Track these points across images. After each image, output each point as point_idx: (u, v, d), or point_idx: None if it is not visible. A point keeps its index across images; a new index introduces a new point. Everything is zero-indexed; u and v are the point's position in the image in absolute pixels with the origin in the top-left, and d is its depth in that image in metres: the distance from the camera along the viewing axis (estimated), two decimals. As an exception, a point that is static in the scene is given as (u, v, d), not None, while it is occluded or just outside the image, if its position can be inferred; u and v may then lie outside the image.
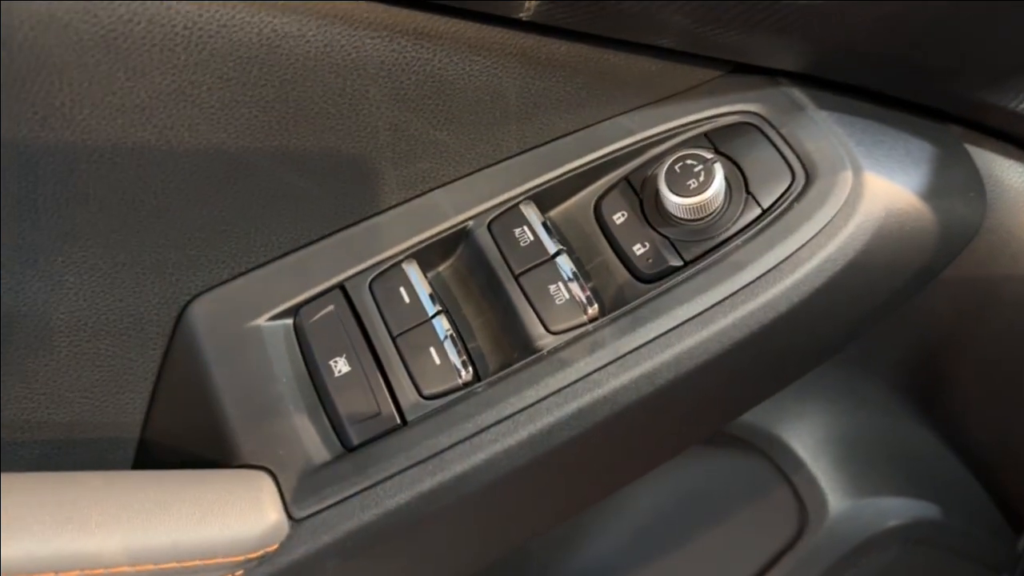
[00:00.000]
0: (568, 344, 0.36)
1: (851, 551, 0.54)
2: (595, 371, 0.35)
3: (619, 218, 0.38)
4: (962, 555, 0.65)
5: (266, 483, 0.34)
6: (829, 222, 0.36)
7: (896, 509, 0.55)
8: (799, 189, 0.37)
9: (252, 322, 0.37)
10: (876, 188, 0.37)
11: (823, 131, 0.38)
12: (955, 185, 0.40)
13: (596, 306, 0.37)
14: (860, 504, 0.54)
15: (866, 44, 0.36)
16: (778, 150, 0.38)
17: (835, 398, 0.55)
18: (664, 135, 0.39)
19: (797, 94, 0.39)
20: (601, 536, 0.60)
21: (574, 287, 0.37)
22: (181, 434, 0.38)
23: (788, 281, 0.36)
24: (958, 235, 0.41)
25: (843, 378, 0.54)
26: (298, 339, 0.37)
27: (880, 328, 0.48)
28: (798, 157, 0.37)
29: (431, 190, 0.38)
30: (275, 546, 0.33)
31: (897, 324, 0.48)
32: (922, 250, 0.39)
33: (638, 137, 0.39)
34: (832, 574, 0.55)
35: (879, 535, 0.54)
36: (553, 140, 0.39)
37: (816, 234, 0.36)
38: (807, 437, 0.54)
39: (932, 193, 0.38)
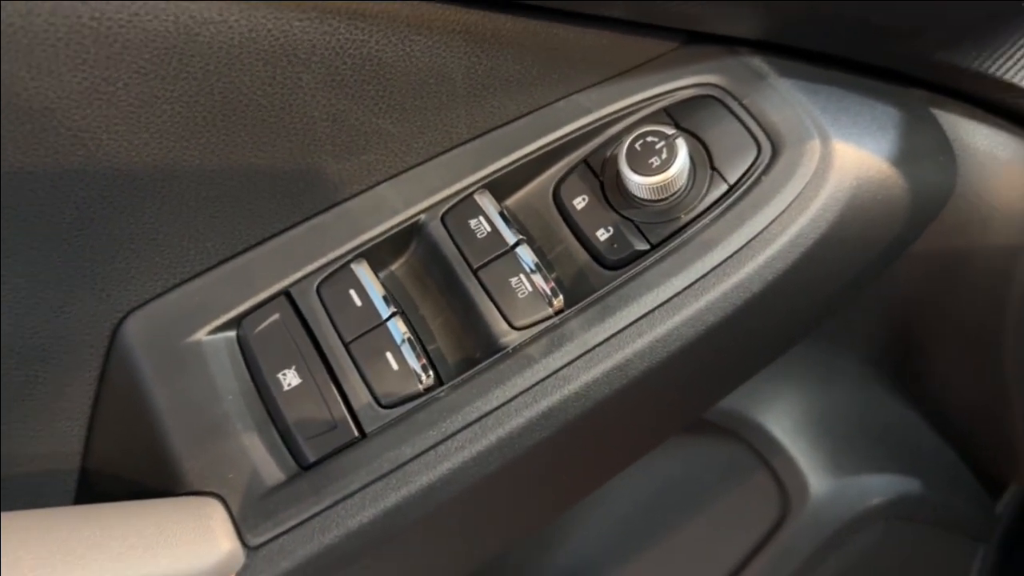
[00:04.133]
0: (534, 339, 0.34)
1: (835, 533, 0.53)
2: (564, 366, 0.33)
3: (580, 202, 0.36)
4: (944, 527, 0.65)
5: (216, 510, 0.32)
6: (799, 195, 0.34)
7: (878, 486, 0.54)
8: (766, 162, 0.35)
9: (191, 337, 0.34)
10: (845, 156, 0.35)
11: (787, 100, 0.36)
12: (925, 150, 0.39)
13: (561, 297, 0.35)
14: (841, 484, 0.52)
15: (827, 5, 0.34)
16: (742, 122, 0.36)
17: (808, 377, 0.53)
18: (621, 112, 0.37)
19: (757, 63, 0.37)
20: (581, 530, 0.59)
21: (537, 279, 0.35)
22: (123, 461, 0.36)
23: (760, 259, 0.34)
24: (931, 201, 0.40)
25: (815, 356, 0.53)
26: (242, 352, 0.35)
27: (850, 302, 0.47)
28: (763, 128, 0.36)
29: (377, 184, 0.36)
30: (230, 577, 0.31)
31: (867, 297, 0.46)
32: (896, 218, 0.38)
33: (594, 116, 0.37)
34: (817, 558, 0.53)
35: (862, 514, 0.53)
36: (505, 124, 0.37)
37: (786, 208, 0.34)
38: (783, 418, 0.53)
39: (903, 159, 0.37)
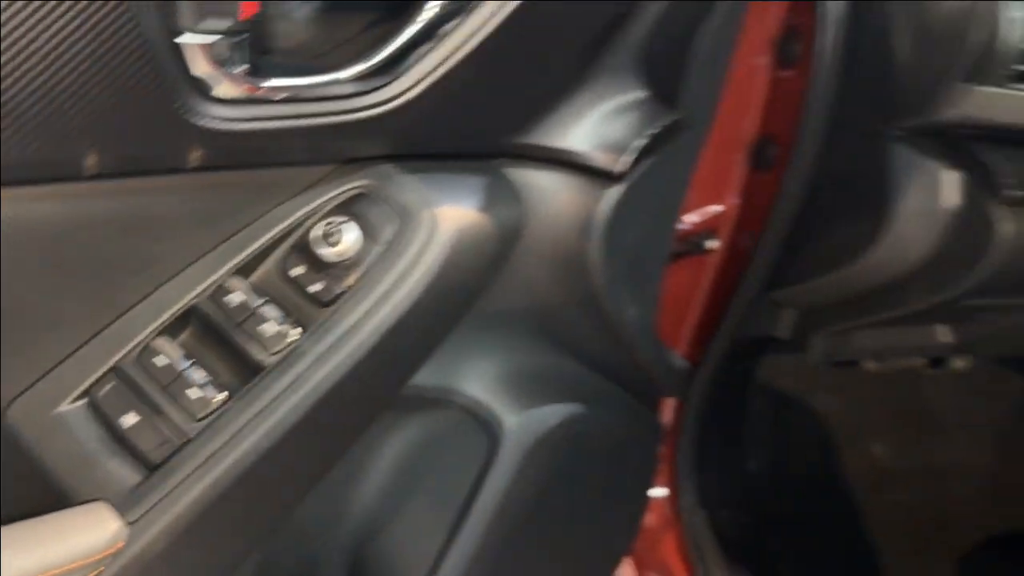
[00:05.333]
0: (284, 358, 0.55)
1: (528, 455, 0.73)
2: (306, 369, 0.55)
3: (297, 271, 0.58)
4: (616, 443, 0.88)
5: (102, 505, 0.50)
6: (423, 245, 0.57)
7: (552, 413, 0.77)
8: (403, 229, 0.58)
9: (58, 408, 0.53)
10: (450, 215, 0.59)
11: (410, 187, 0.59)
12: (501, 198, 0.64)
13: (299, 329, 0.56)
14: (525, 415, 0.75)
15: (420, 140, 0.59)
16: (386, 205, 0.59)
17: (494, 351, 0.74)
18: (314, 210, 0.59)
19: (392, 167, 0.60)
20: (359, 515, 0.77)
21: (282, 324, 0.56)
22: (28, 505, 0.53)
23: (408, 285, 0.56)
24: (511, 231, 0.65)
25: (495, 337, 0.75)
26: (95, 411, 0.53)
27: (502, 303, 0.71)
28: (399, 207, 0.59)
29: (166, 282, 0.55)
30: (121, 543, 0.50)
31: (508, 293, 0.70)
32: (490, 247, 0.62)
33: (298, 214, 0.58)
34: (521, 478, 0.72)
35: (544, 436, 0.74)
36: (244, 228, 0.57)
37: (416, 254, 0.57)
38: (482, 381, 0.73)
39: (486, 208, 0.62)
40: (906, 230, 0.87)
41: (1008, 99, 0.78)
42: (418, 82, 0.55)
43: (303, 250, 0.58)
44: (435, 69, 0.55)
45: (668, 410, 1.16)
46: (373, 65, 0.55)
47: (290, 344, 0.56)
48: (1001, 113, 0.79)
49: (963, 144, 0.84)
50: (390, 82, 0.55)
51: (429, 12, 0.55)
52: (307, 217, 0.58)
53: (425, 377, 0.67)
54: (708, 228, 1.05)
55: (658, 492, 1.23)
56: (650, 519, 1.21)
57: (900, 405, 1.39)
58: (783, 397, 1.29)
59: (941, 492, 1.40)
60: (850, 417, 1.37)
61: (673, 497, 1.21)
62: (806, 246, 1.00)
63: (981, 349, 1.17)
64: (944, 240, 0.86)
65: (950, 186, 0.85)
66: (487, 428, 0.76)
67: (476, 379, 0.76)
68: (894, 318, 1.01)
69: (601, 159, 0.66)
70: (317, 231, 0.57)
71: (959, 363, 1.23)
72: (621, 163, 0.66)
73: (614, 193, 0.68)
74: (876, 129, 0.86)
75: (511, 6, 0.56)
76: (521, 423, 0.75)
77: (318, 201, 0.58)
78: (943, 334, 1.08)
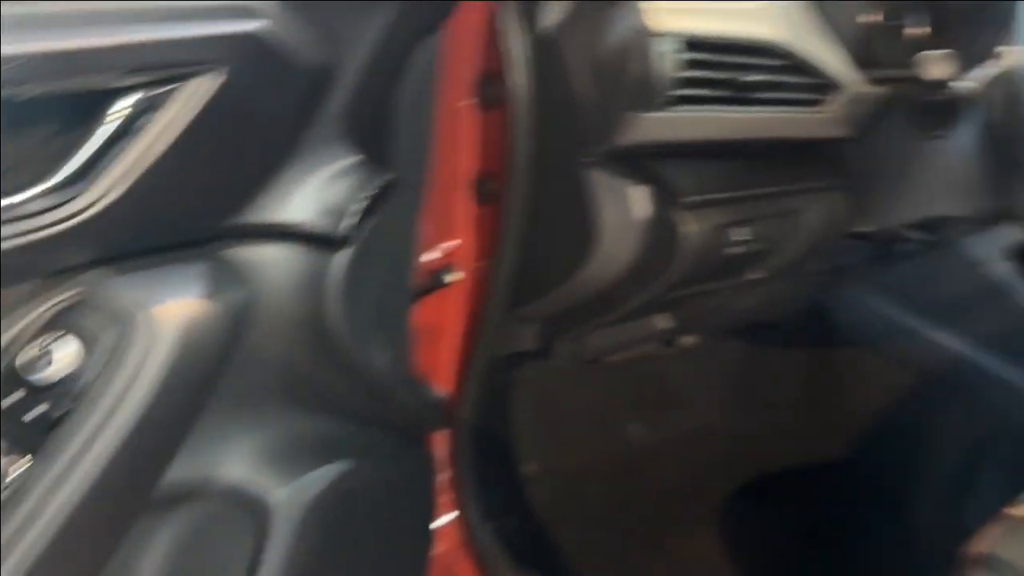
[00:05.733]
0: (15, 492, 0.53)
1: (301, 522, 0.75)
2: (42, 496, 0.54)
3: (14, 398, 0.56)
4: (389, 487, 0.89)
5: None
6: (148, 345, 0.58)
7: (320, 477, 0.78)
8: (123, 334, 0.58)
9: None
10: (171, 310, 0.60)
11: (126, 288, 0.59)
12: (223, 282, 0.65)
13: (29, 456, 0.54)
14: (292, 487, 0.76)
15: (131, 239, 0.59)
16: (102, 312, 0.58)
17: (250, 429, 0.74)
18: (22, 331, 0.57)
19: (104, 271, 0.59)
20: None
21: (7, 456, 0.53)
22: None
23: (137, 390, 0.57)
24: (240, 311, 0.66)
25: (249, 415, 0.74)
26: None
27: (249, 380, 0.71)
28: (116, 311, 0.58)
29: None
30: None
31: (251, 376, 0.71)
32: (219, 332, 0.63)
33: (4, 340, 0.56)
34: (299, 549, 0.73)
35: (315, 501, 0.77)
36: None
37: (142, 357, 0.57)
38: (243, 462, 0.74)
39: (208, 295, 0.62)
40: (610, 242, 0.98)
41: (668, 120, 0.90)
42: (116, 183, 0.56)
43: (15, 377, 0.56)
44: (133, 167, 0.56)
45: (443, 440, 1.20)
46: (65, 176, 0.54)
47: (19, 476, 0.53)
48: (665, 132, 0.91)
49: (643, 162, 0.96)
50: (85, 190, 0.54)
51: (117, 113, 0.55)
52: (14, 341, 0.56)
53: (179, 472, 0.66)
54: (448, 263, 1.11)
55: (449, 517, 1.26)
56: (445, 544, 1.25)
57: (646, 388, 1.53)
58: (544, 402, 1.38)
59: (694, 457, 1.56)
60: (606, 408, 1.50)
61: (463, 518, 1.25)
62: (535, 267, 1.09)
63: (696, 329, 1.32)
64: (641, 246, 0.98)
65: (638, 200, 0.97)
66: (253, 508, 0.75)
67: (236, 461, 0.75)
68: (619, 316, 1.12)
69: (323, 226, 0.69)
70: (28, 354, 0.56)
71: (688, 340, 1.38)
72: (343, 227, 0.69)
73: (343, 256, 0.71)
74: (572, 158, 0.96)
75: (202, 97, 0.57)
76: (289, 495, 0.76)
77: (25, 321, 0.57)
78: (663, 321, 1.22)
